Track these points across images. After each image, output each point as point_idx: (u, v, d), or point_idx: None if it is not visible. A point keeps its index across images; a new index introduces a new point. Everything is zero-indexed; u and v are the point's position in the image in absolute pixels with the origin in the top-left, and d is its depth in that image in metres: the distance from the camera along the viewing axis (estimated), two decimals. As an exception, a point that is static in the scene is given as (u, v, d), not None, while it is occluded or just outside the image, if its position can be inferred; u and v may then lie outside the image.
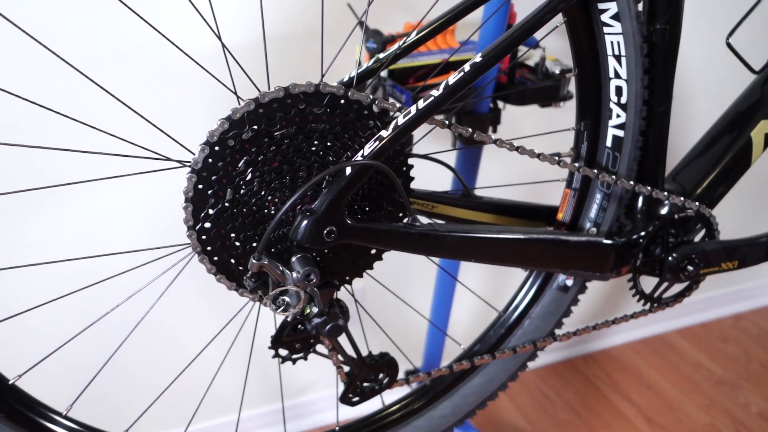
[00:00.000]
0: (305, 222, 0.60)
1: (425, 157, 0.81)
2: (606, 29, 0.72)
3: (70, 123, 0.66)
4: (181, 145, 0.65)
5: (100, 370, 0.72)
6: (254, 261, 0.59)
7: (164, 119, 0.69)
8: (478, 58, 0.63)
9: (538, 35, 0.70)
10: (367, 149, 0.61)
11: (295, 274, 0.60)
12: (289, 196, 0.63)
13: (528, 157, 0.74)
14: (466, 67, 0.63)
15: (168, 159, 0.66)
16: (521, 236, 0.74)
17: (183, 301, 1.15)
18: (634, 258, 0.84)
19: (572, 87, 0.86)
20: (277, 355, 0.73)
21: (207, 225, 0.63)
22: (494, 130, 1.21)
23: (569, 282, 0.87)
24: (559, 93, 1.11)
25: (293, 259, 0.62)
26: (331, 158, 0.64)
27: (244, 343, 0.90)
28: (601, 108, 0.78)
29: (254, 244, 0.65)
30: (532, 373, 1.82)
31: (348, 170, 0.61)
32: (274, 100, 0.61)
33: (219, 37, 0.65)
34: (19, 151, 0.70)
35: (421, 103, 0.62)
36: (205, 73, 0.69)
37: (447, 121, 0.69)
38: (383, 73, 1.12)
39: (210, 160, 0.61)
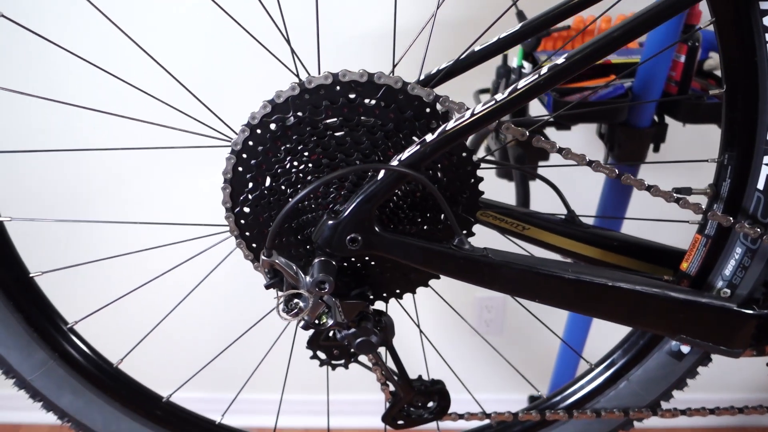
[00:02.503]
0: (328, 224, 0.55)
1: (516, 167, 0.70)
2: (770, 36, 0.54)
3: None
4: (225, 124, 0.62)
5: (151, 330, 0.74)
6: (264, 257, 0.55)
7: (232, 100, 0.67)
8: (560, 61, 0.51)
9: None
10: (406, 154, 0.53)
11: (308, 279, 0.55)
12: (320, 192, 0.57)
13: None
14: (543, 70, 0.51)
15: (226, 137, 0.64)
16: (607, 282, 0.59)
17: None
18: (778, 337, 0.64)
19: None
20: (315, 356, 0.69)
21: (246, 210, 0.60)
22: (656, 149, 1.02)
23: (685, 349, 0.70)
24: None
25: (314, 262, 0.56)
26: (378, 158, 0.57)
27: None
28: (756, 139, 0.59)
29: (291, 238, 0.61)
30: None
31: (381, 174, 0.53)
32: (321, 86, 0.55)
33: (284, 33, 0.61)
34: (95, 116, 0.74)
35: (478, 108, 0.52)
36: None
37: (527, 132, 0.57)
38: (527, 68, 1.00)
39: (250, 142, 0.57)
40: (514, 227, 0.71)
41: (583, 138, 1.27)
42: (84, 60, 0.64)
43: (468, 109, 0.53)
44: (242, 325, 0.80)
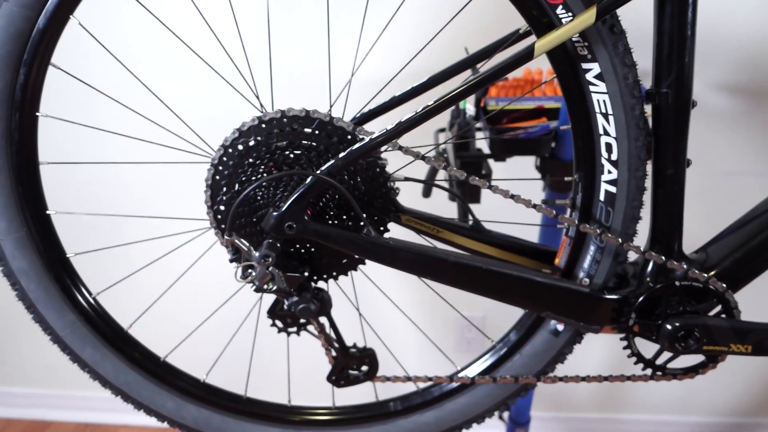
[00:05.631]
0: (273, 214, 0.77)
1: (428, 182, 0.91)
2: (591, 87, 0.76)
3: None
4: (209, 146, 0.86)
5: (153, 303, 0.96)
6: (226, 237, 0.78)
7: (214, 127, 0.91)
8: (431, 102, 0.73)
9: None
10: (326, 165, 0.76)
11: (257, 253, 0.77)
12: (271, 193, 0.80)
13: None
14: (419, 108, 0.73)
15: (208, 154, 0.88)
16: (482, 266, 0.80)
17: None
18: (625, 317, 0.83)
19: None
20: (274, 324, 0.90)
21: (221, 207, 0.83)
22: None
23: (560, 327, 0.89)
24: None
25: (264, 242, 0.78)
26: (313, 170, 0.80)
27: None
28: (595, 162, 0.80)
29: (252, 229, 0.83)
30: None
31: (308, 179, 0.76)
32: (273, 119, 0.79)
33: (252, 84, 0.85)
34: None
35: (375, 135, 0.74)
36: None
37: (441, 162, 0.79)
38: (472, 110, 1.23)
39: (224, 158, 0.80)
40: (430, 230, 0.92)
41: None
42: (127, 106, 0.89)
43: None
44: (229, 307, 1.03)
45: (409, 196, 1.04)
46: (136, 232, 1.37)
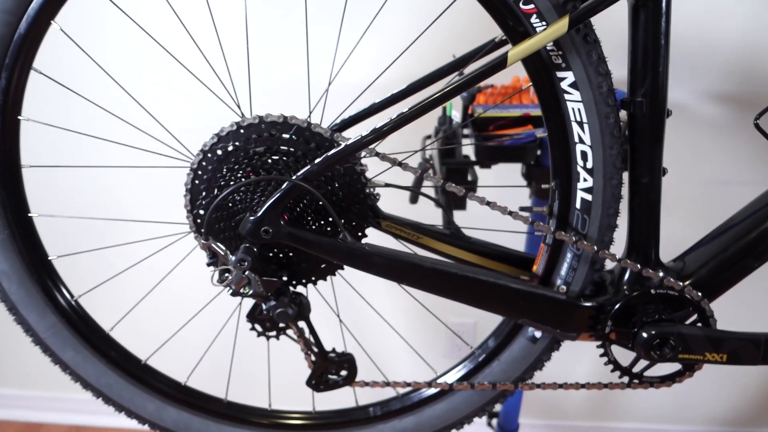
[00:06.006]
0: (250, 219, 0.78)
1: (406, 188, 0.92)
2: (567, 96, 0.76)
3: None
4: (189, 151, 0.87)
5: (134, 307, 0.97)
6: (203, 241, 0.78)
7: (194, 131, 0.91)
8: (406, 110, 0.74)
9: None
10: (302, 171, 0.76)
11: (234, 257, 0.77)
12: (248, 198, 0.81)
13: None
14: (394, 115, 0.74)
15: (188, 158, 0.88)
16: (457, 272, 0.81)
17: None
18: (602, 324, 0.83)
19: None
20: (253, 328, 0.91)
21: (201, 212, 0.84)
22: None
23: (538, 334, 0.89)
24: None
25: (241, 246, 0.79)
26: (290, 175, 0.80)
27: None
28: (571, 170, 0.80)
29: (232, 233, 0.84)
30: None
31: (284, 185, 0.76)
32: (251, 124, 0.79)
33: (232, 91, 0.86)
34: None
35: (349, 142, 0.75)
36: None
37: (417, 170, 0.80)
38: (458, 118, 1.23)
39: (203, 163, 0.81)
40: (410, 236, 0.92)
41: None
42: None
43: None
44: (211, 310, 1.03)
45: (400, 203, 1.05)
46: (118, 235, 1.36)
